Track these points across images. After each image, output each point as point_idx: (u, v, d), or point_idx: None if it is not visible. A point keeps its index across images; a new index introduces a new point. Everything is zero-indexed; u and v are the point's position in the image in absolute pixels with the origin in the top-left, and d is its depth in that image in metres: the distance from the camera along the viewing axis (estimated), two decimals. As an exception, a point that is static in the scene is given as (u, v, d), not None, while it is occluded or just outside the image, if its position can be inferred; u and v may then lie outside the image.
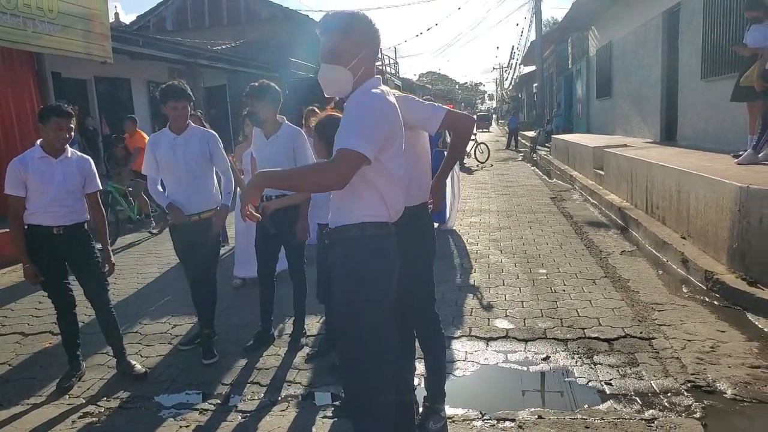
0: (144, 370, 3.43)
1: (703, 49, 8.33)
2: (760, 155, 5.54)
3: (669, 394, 2.88)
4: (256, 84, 3.63)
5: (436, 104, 2.62)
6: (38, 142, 3.28)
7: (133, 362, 3.48)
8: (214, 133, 3.75)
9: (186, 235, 3.59)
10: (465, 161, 16.08)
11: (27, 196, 3.19)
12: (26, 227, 3.25)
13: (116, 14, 22.53)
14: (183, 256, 3.75)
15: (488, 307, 4.28)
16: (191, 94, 3.59)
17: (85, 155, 3.46)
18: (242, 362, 3.54)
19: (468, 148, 17.54)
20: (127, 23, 22.27)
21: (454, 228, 7.24)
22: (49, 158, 3.22)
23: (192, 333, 3.91)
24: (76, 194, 3.30)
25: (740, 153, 5.88)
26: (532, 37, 24.41)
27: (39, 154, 3.21)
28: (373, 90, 1.93)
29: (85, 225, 3.40)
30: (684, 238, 5.35)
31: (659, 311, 4.00)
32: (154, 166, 3.58)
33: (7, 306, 4.98)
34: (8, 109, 7.96)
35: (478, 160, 16.63)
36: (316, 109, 6.02)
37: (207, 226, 3.61)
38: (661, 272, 4.97)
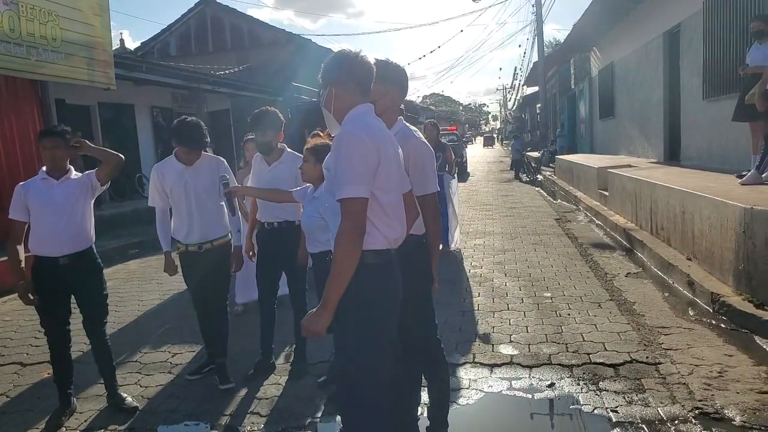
0: (135, 404, 3.35)
1: (704, 70, 8.37)
2: (763, 175, 5.51)
3: (676, 422, 2.81)
4: (261, 111, 3.64)
5: (435, 178, 2.51)
6: (43, 166, 3.30)
7: (125, 395, 3.41)
8: (222, 159, 3.71)
9: (198, 263, 3.55)
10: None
11: (32, 222, 3.17)
12: (34, 258, 3.21)
13: (121, 40, 22.87)
14: (194, 285, 3.66)
15: (492, 333, 4.22)
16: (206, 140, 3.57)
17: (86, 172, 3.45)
18: (242, 392, 3.49)
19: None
20: (132, 49, 22.61)
21: (459, 248, 7.20)
22: (50, 180, 3.22)
23: (200, 362, 3.84)
24: (77, 215, 3.23)
25: (744, 173, 5.85)
26: (535, 58, 24.64)
27: (42, 176, 3.24)
28: (348, 128, 1.97)
29: (93, 249, 3.35)
30: (690, 259, 5.29)
31: (666, 335, 3.93)
32: (164, 197, 3.53)
33: (6, 335, 4.95)
34: (11, 137, 8.04)
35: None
36: (321, 133, 6.09)
37: (220, 254, 3.59)
38: (667, 295, 4.91)
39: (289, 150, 3.75)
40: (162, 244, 3.61)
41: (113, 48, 10.73)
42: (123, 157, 3.43)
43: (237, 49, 21.19)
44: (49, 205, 3.16)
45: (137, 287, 6.42)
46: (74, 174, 3.32)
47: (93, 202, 3.40)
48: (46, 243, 3.17)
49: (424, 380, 2.73)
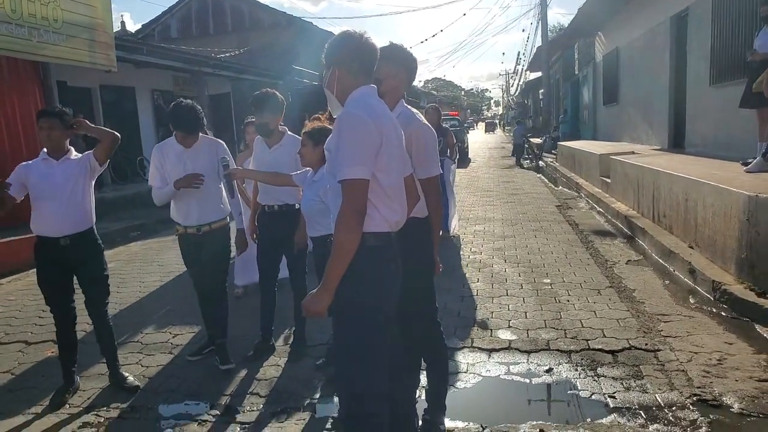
0: (136, 383, 3.39)
1: (712, 55, 8.27)
2: (769, 163, 5.46)
3: (674, 408, 2.82)
4: (261, 93, 3.62)
5: (438, 161, 2.53)
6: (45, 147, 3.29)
7: (126, 374, 3.45)
8: (221, 141, 3.71)
9: (197, 245, 3.57)
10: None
11: (32, 202, 3.17)
12: (36, 238, 3.23)
13: (122, 23, 22.70)
14: (192, 266, 3.70)
15: (491, 318, 4.23)
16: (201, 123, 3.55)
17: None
18: (242, 373, 3.51)
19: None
20: (133, 32, 22.44)
21: (457, 234, 7.21)
22: (51, 160, 3.22)
23: (201, 343, 3.87)
24: (77, 196, 3.22)
25: (749, 160, 5.80)
26: (539, 42, 24.48)
27: (43, 156, 3.24)
28: (350, 109, 1.95)
29: (94, 230, 3.35)
30: (691, 247, 5.28)
31: (665, 322, 3.93)
32: (163, 178, 3.53)
33: (11, 314, 4.98)
34: (14, 118, 8.04)
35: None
36: (321, 117, 6.06)
37: (219, 237, 3.60)
38: (667, 282, 4.90)
39: (289, 133, 3.74)
40: (166, 190, 3.49)
41: (114, 30, 10.65)
42: (118, 134, 3.39)
43: (238, 32, 21.00)
44: (49, 185, 3.16)
45: (139, 269, 6.43)
46: (74, 155, 3.31)
47: (94, 183, 3.39)
48: (46, 224, 3.18)
49: (423, 363, 2.74)
